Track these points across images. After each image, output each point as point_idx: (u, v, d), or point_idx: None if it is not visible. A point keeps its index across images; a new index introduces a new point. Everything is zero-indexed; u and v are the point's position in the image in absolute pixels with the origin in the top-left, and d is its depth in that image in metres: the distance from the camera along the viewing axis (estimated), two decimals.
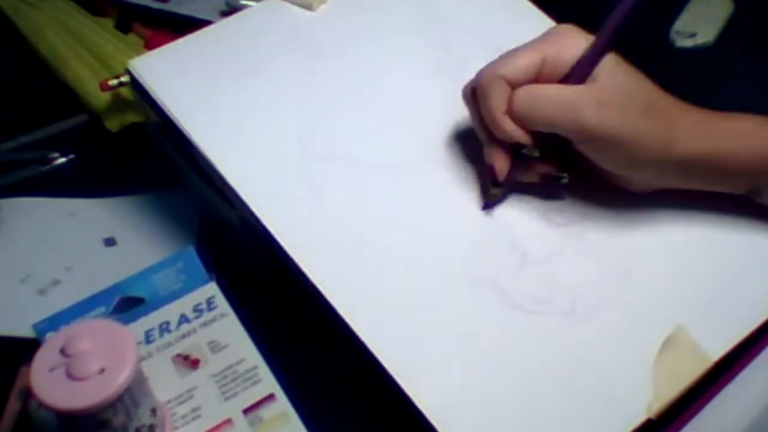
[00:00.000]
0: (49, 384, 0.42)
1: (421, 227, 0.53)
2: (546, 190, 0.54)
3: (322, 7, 0.63)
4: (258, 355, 0.50)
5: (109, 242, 0.60)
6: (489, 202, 0.53)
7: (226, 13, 0.68)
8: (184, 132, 0.55)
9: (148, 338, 0.51)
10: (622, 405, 0.47)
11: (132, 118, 0.65)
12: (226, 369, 0.50)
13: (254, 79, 0.58)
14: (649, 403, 0.47)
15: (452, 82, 0.56)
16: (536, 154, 0.51)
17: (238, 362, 0.50)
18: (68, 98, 0.68)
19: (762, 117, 0.52)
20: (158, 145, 0.63)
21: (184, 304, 0.52)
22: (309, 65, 0.59)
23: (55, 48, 0.69)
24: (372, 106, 0.58)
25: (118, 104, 0.65)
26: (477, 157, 0.55)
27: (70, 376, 0.42)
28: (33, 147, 0.66)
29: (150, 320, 0.52)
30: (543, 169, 0.53)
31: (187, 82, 0.57)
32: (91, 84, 0.65)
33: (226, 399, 0.49)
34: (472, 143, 0.55)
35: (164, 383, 0.49)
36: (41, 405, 0.42)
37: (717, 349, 0.49)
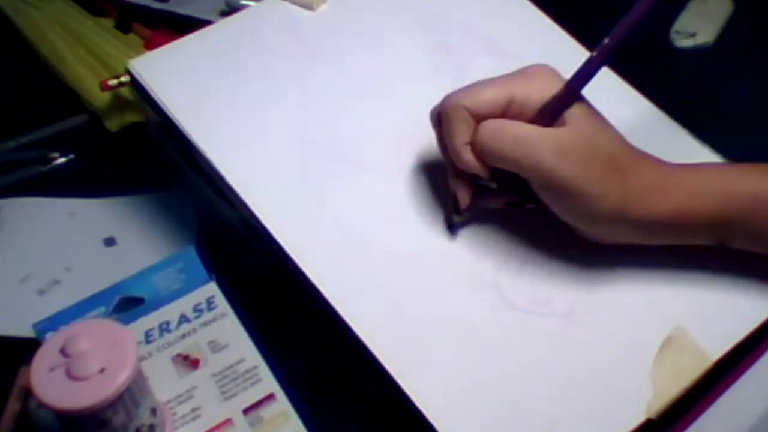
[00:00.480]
0: (49, 384, 0.42)
1: (421, 227, 0.53)
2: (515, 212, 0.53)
3: (322, 6, 0.63)
4: (258, 355, 0.50)
5: (109, 242, 0.60)
6: (453, 225, 0.53)
7: (226, 13, 0.68)
8: (184, 132, 0.55)
9: (148, 338, 0.51)
10: (621, 405, 0.47)
11: (132, 118, 0.65)
12: (226, 369, 0.50)
13: (254, 79, 0.58)
14: (648, 402, 0.47)
15: (452, 82, 0.56)
16: (493, 186, 0.50)
17: (238, 362, 0.50)
18: (68, 98, 0.68)
19: (727, 167, 0.51)
20: (158, 145, 0.63)
21: (184, 304, 0.52)
22: (309, 65, 0.59)
23: (55, 48, 0.69)
24: (372, 106, 0.58)
25: (118, 104, 0.65)
26: None
27: (70, 376, 0.42)
28: (33, 147, 0.66)
29: (150, 320, 0.52)
30: (501, 201, 0.52)
31: (187, 81, 0.57)
32: (91, 84, 0.65)
33: (226, 399, 0.49)
34: None
35: (164, 383, 0.49)
36: (41, 405, 0.42)
37: (717, 349, 0.49)
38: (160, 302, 0.52)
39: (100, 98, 0.65)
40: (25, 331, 0.52)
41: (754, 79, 0.68)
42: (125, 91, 0.63)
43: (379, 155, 0.55)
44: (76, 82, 0.67)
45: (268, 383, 0.49)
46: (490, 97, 0.48)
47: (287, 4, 0.63)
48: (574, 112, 0.47)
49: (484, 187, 0.51)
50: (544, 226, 0.53)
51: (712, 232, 0.49)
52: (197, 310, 0.52)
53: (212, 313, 0.52)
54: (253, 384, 0.49)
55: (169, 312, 0.52)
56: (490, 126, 0.48)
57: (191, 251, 0.55)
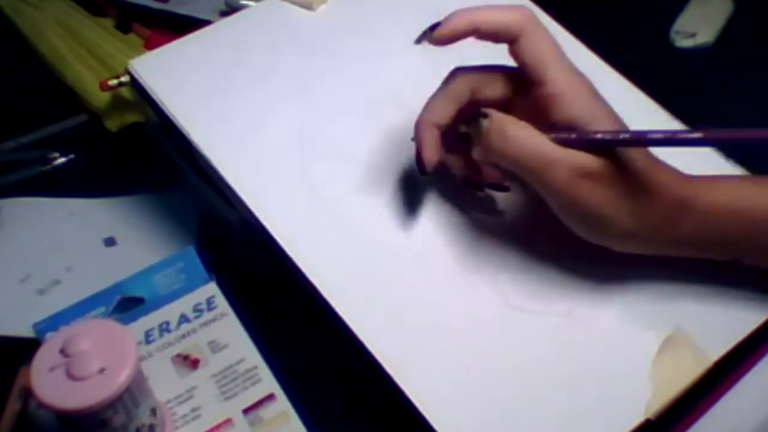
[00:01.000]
0: (49, 384, 0.42)
1: (420, 227, 0.53)
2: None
3: (322, 6, 0.63)
4: (258, 355, 0.50)
5: (109, 242, 0.60)
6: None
7: (226, 13, 0.68)
8: (184, 132, 0.55)
9: (148, 338, 0.51)
10: (620, 405, 0.47)
11: (132, 118, 0.65)
12: (226, 369, 0.50)
13: (254, 79, 0.58)
14: (647, 403, 0.47)
15: None
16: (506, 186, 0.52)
17: (238, 362, 0.50)
18: (68, 98, 0.68)
19: (745, 183, 0.50)
20: (158, 145, 0.63)
21: (184, 304, 0.52)
22: (309, 65, 0.59)
23: (55, 48, 0.69)
24: (372, 106, 0.58)
25: (118, 104, 0.65)
26: None
27: (70, 376, 0.42)
28: (33, 147, 0.66)
29: (150, 320, 0.52)
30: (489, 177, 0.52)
31: (187, 82, 0.57)
32: (91, 84, 0.65)
33: (226, 399, 0.49)
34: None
35: (164, 383, 0.49)
36: (41, 405, 0.42)
37: (716, 349, 0.49)
38: (160, 302, 0.52)
39: (100, 98, 0.65)
40: (25, 331, 0.52)
41: (755, 79, 0.68)
42: (125, 91, 0.63)
43: (379, 155, 0.55)
44: (76, 82, 0.67)
45: (268, 383, 0.49)
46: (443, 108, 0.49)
47: (287, 4, 0.63)
48: None
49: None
50: (544, 226, 0.53)
51: (728, 249, 0.49)
52: (197, 310, 0.52)
53: (212, 313, 0.52)
54: (253, 384, 0.49)
55: (169, 312, 0.52)
56: (507, 132, 0.46)
57: (191, 251, 0.55)
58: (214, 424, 0.48)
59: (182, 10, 0.70)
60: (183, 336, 0.51)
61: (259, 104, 0.57)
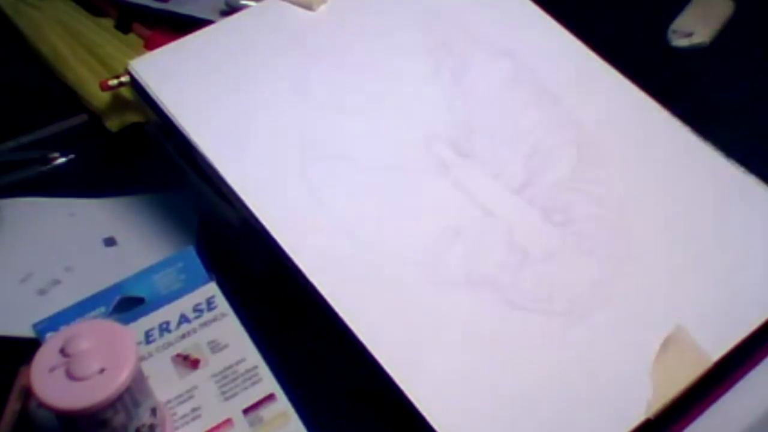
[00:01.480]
0: (49, 384, 0.42)
1: (420, 227, 0.53)
2: None
3: (322, 7, 0.63)
4: (258, 355, 0.50)
5: (109, 242, 0.60)
6: None
7: (226, 13, 0.68)
8: (184, 132, 0.55)
9: (148, 338, 0.51)
10: (621, 404, 0.47)
11: (132, 118, 0.65)
12: (226, 369, 0.50)
13: (254, 78, 0.58)
14: (648, 402, 0.47)
15: (452, 82, 0.57)
16: None
17: (238, 362, 0.50)
18: (68, 98, 0.68)
19: None
20: (158, 145, 0.63)
21: (184, 304, 0.52)
22: (309, 65, 0.59)
23: (55, 48, 0.69)
24: (372, 106, 0.58)
25: (118, 104, 0.65)
26: (477, 157, 0.55)
27: (70, 376, 0.42)
28: (33, 147, 0.66)
29: (150, 320, 0.52)
30: None
31: (187, 82, 0.57)
32: (91, 84, 0.65)
33: (226, 399, 0.49)
34: (472, 142, 0.55)
35: (164, 383, 0.49)
36: (41, 405, 0.42)
37: (717, 349, 0.49)
38: (160, 302, 0.52)
39: (100, 98, 0.65)
40: (25, 331, 0.52)
41: (754, 80, 0.68)
42: (125, 91, 0.63)
43: (379, 155, 0.55)
44: (76, 82, 0.67)
45: (268, 383, 0.49)
46: None
47: (287, 4, 0.63)
48: None
49: None
50: (544, 225, 0.53)
51: None
52: (197, 310, 0.52)
53: (212, 313, 0.52)
54: (253, 384, 0.49)
55: (169, 312, 0.52)
56: None
57: (191, 251, 0.55)
58: (214, 424, 0.48)
59: (182, 10, 0.70)
60: (183, 336, 0.51)
61: (260, 104, 0.57)
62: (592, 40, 0.62)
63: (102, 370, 0.42)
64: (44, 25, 0.70)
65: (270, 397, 0.49)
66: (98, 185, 0.63)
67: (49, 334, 0.51)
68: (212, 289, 0.53)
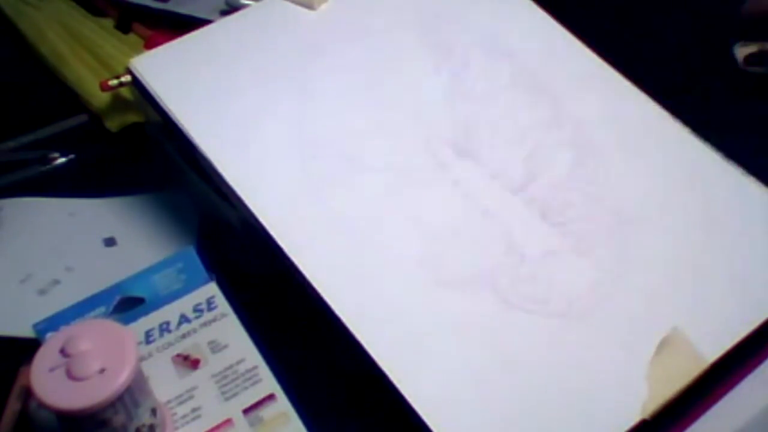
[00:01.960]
0: (49, 384, 0.42)
1: (420, 227, 0.53)
2: None
3: (323, 6, 0.63)
4: (258, 355, 0.50)
5: (109, 242, 0.60)
6: None
7: (226, 13, 0.68)
8: (185, 132, 0.55)
9: (148, 338, 0.51)
10: (617, 405, 0.47)
11: (132, 118, 0.65)
12: (226, 369, 0.50)
13: (254, 78, 0.58)
14: (644, 403, 0.47)
15: (452, 82, 0.56)
16: None
17: (238, 362, 0.50)
18: (68, 98, 0.68)
19: None
20: (158, 145, 0.63)
21: (184, 304, 0.52)
22: (309, 64, 0.59)
23: (55, 48, 0.69)
24: (372, 106, 0.58)
25: (118, 104, 0.65)
26: (476, 157, 0.55)
27: (70, 376, 0.42)
28: (33, 147, 0.66)
29: (150, 320, 0.52)
30: None
31: (188, 81, 0.57)
32: (91, 84, 0.65)
33: (226, 399, 0.49)
34: (471, 142, 0.55)
35: (164, 383, 0.49)
36: (41, 405, 0.42)
37: (713, 351, 0.49)
38: (160, 302, 0.52)
39: (100, 98, 0.65)
40: (25, 331, 0.52)
41: None
42: (125, 91, 0.63)
43: (379, 155, 0.55)
44: (76, 82, 0.67)
45: (268, 383, 0.49)
46: None
47: (287, 3, 0.63)
48: None
49: None
50: (542, 226, 0.53)
51: None
52: (197, 310, 0.52)
53: (212, 313, 0.52)
54: (253, 384, 0.49)
55: (169, 312, 0.52)
56: None
57: (191, 251, 0.55)
58: (214, 424, 0.48)
59: (182, 10, 0.70)
60: (183, 336, 0.51)
61: (260, 104, 0.57)
62: (593, 41, 0.62)
63: (102, 370, 0.42)
64: (44, 25, 0.70)
65: (270, 397, 0.49)
66: (98, 185, 0.63)
67: (49, 334, 0.51)
68: (212, 289, 0.53)
